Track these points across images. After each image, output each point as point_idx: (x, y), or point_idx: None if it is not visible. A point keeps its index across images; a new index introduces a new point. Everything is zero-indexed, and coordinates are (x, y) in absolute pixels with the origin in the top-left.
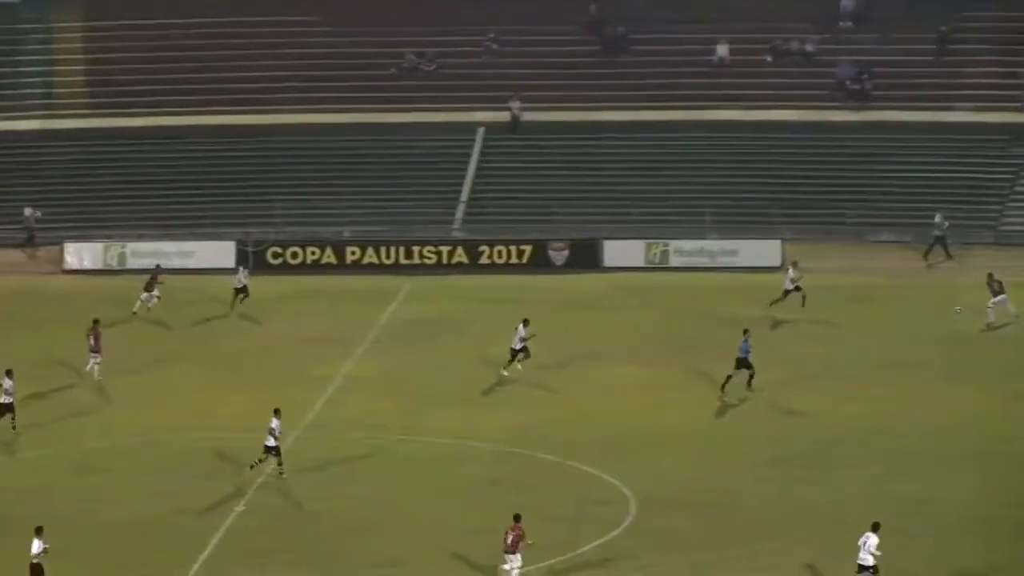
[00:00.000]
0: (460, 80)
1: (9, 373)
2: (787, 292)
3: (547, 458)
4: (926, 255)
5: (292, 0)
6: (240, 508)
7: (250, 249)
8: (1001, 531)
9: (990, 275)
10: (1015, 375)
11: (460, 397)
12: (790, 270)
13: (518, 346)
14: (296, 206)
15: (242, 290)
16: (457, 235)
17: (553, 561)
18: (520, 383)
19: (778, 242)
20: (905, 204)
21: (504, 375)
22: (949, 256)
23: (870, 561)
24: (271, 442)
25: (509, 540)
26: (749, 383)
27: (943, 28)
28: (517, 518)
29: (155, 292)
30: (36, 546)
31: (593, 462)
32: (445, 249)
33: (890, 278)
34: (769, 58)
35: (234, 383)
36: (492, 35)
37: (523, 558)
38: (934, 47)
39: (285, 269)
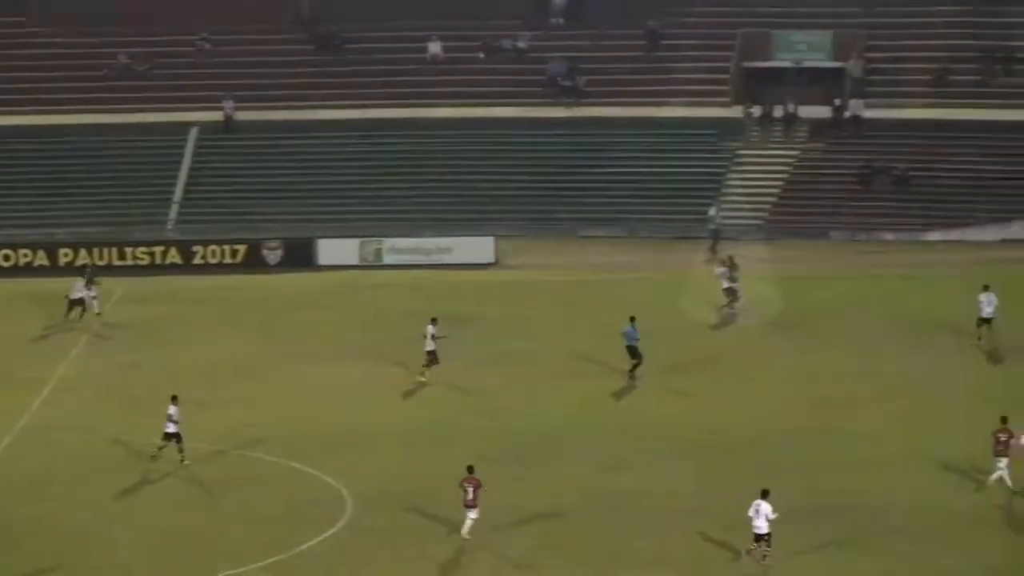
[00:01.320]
0: (173, 80)
1: None
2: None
3: (264, 458)
4: (712, 247)
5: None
6: None
7: None
8: (713, 522)
9: (730, 257)
10: (727, 367)
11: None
12: (721, 268)
13: (431, 347)
14: (8, 209)
15: (78, 302)
16: (171, 235)
17: (270, 560)
18: (237, 383)
19: (491, 239)
20: (618, 199)
21: (421, 380)
22: (714, 253)
23: (765, 528)
24: (171, 428)
25: (471, 494)
26: (633, 371)
27: (653, 24)
28: (470, 469)
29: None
30: None
31: (309, 461)
32: (158, 249)
33: (599, 273)
34: (482, 55)
35: None
36: (204, 35)
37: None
38: (644, 43)
39: None
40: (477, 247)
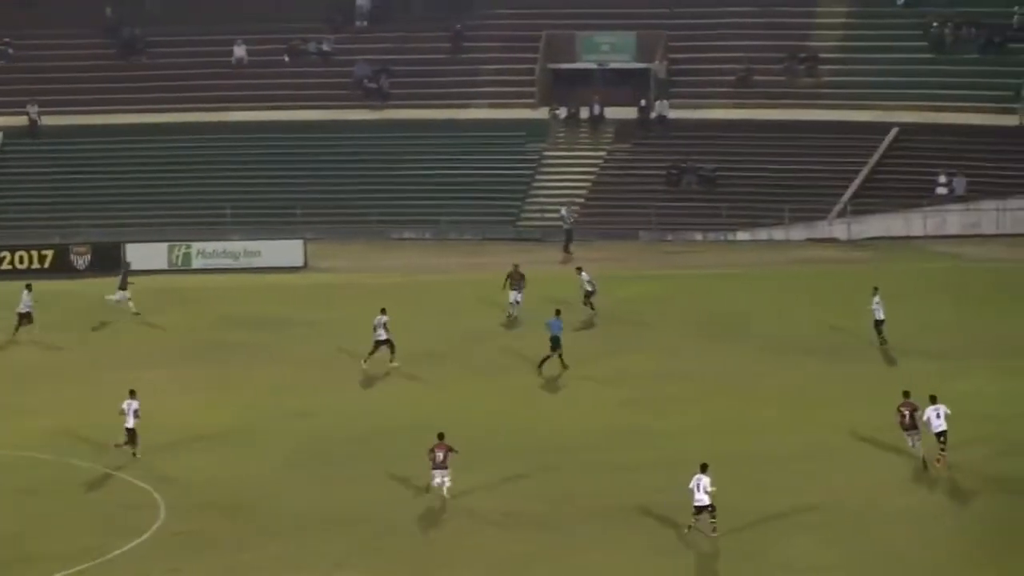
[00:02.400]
0: None
1: None
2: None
3: (78, 464)
4: (566, 248)
5: None
6: None
7: None
8: (527, 525)
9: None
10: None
11: None
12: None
13: (382, 337)
14: None
15: (26, 316)
16: None
17: (83, 567)
18: (48, 388)
19: (300, 242)
20: (426, 202)
21: (364, 367)
22: (568, 251)
23: (707, 500)
24: (130, 423)
25: (440, 456)
26: (558, 359)
27: (458, 27)
28: (441, 436)
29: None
30: None
31: (123, 467)
32: None
33: (409, 275)
34: (287, 58)
35: None
36: (8, 40)
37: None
38: (449, 45)
39: None
40: (286, 250)
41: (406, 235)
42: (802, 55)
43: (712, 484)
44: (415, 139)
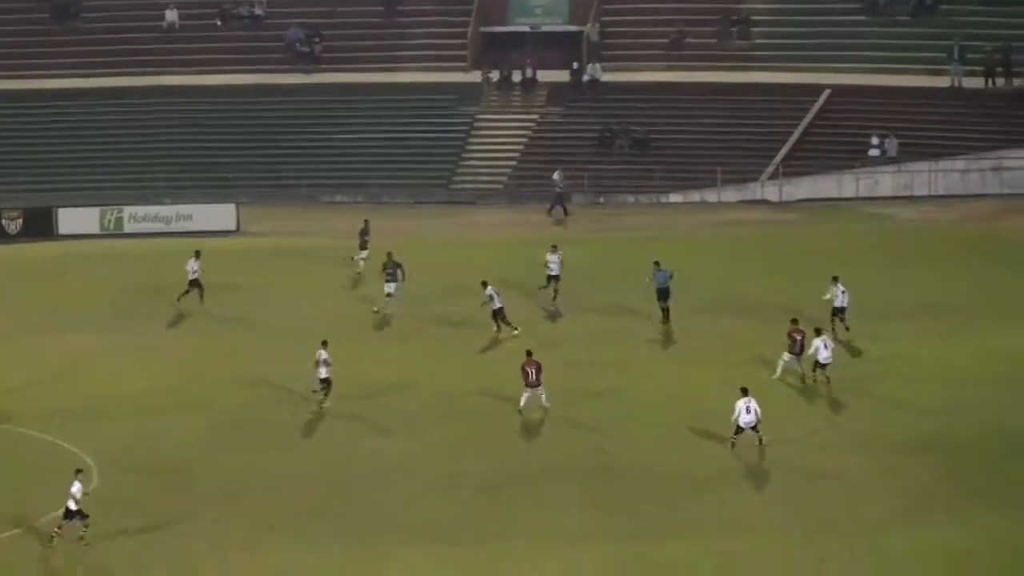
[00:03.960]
0: None
1: None
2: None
3: (8, 428)
4: (550, 211)
5: None
6: None
7: None
8: (468, 483)
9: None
10: (472, 330)
11: None
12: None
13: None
14: None
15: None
16: None
17: (13, 532)
18: None
19: (232, 206)
20: (358, 165)
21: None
22: (566, 212)
23: (754, 420)
24: (323, 373)
25: (533, 375)
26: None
27: None
28: (529, 353)
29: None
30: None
31: (53, 430)
32: None
33: (342, 239)
34: (219, 22)
35: None
36: None
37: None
38: (382, 9)
39: None
40: (218, 214)
41: (338, 199)
42: (734, 17)
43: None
44: (347, 103)
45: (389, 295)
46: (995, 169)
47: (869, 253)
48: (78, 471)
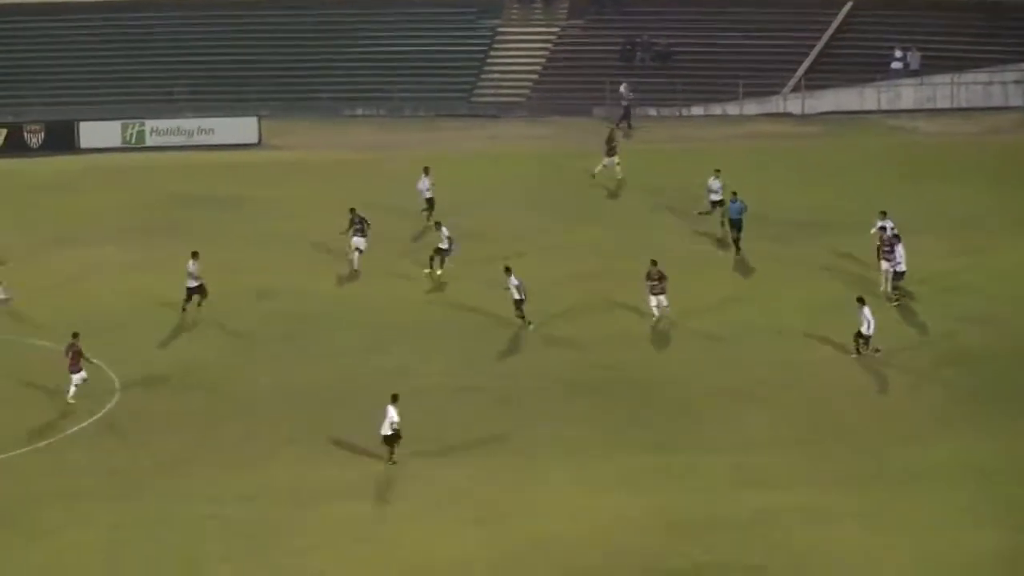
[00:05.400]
0: None
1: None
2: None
3: (30, 342)
4: (618, 124)
5: None
6: None
7: None
8: (481, 399)
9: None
10: (494, 245)
11: None
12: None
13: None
14: None
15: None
16: None
17: (40, 444)
18: None
19: (255, 119)
20: (380, 78)
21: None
22: (630, 126)
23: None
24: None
25: (656, 280)
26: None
27: None
28: (654, 262)
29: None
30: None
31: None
32: None
33: (364, 152)
34: None
35: None
36: None
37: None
38: None
39: None
40: (240, 128)
41: (360, 112)
42: None
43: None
44: (369, 16)
45: (359, 250)
46: (1018, 82)
47: (892, 166)
48: (394, 397)
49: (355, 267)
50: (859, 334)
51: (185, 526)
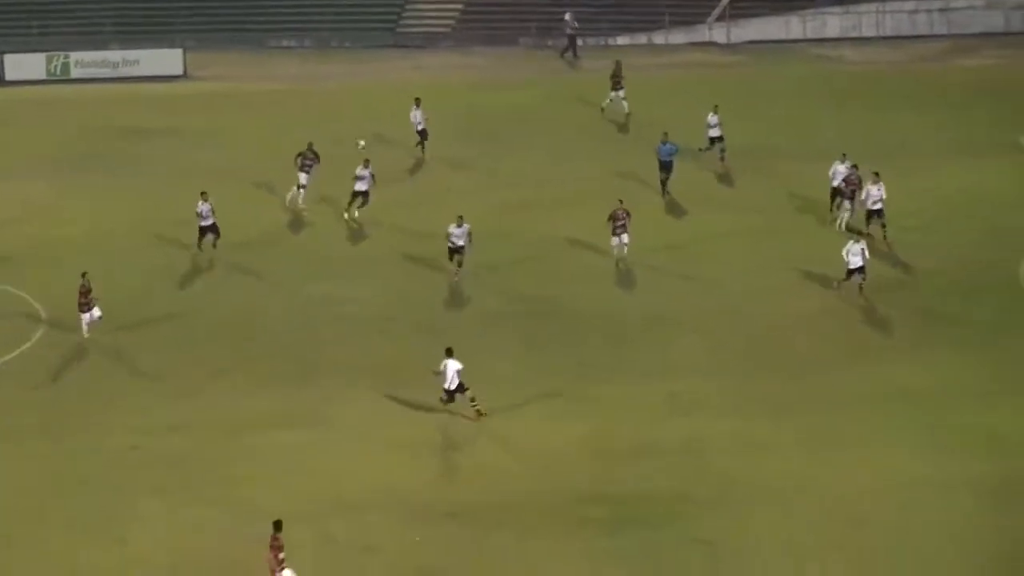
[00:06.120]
0: None
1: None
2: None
3: None
4: (562, 54)
5: None
6: None
7: None
8: (410, 329)
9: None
10: (425, 176)
11: None
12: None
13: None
14: None
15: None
16: None
17: None
18: None
19: (179, 51)
20: (304, 10)
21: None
22: (576, 55)
23: (862, 263)
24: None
25: (621, 220)
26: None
27: None
28: (621, 201)
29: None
30: None
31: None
32: None
33: (291, 84)
34: None
35: None
36: None
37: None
38: None
39: None
40: (165, 59)
41: (285, 44)
42: None
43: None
44: None
45: (303, 186)
46: (942, 10)
47: (819, 95)
48: (449, 351)
49: (300, 204)
50: (852, 270)
51: (114, 458)
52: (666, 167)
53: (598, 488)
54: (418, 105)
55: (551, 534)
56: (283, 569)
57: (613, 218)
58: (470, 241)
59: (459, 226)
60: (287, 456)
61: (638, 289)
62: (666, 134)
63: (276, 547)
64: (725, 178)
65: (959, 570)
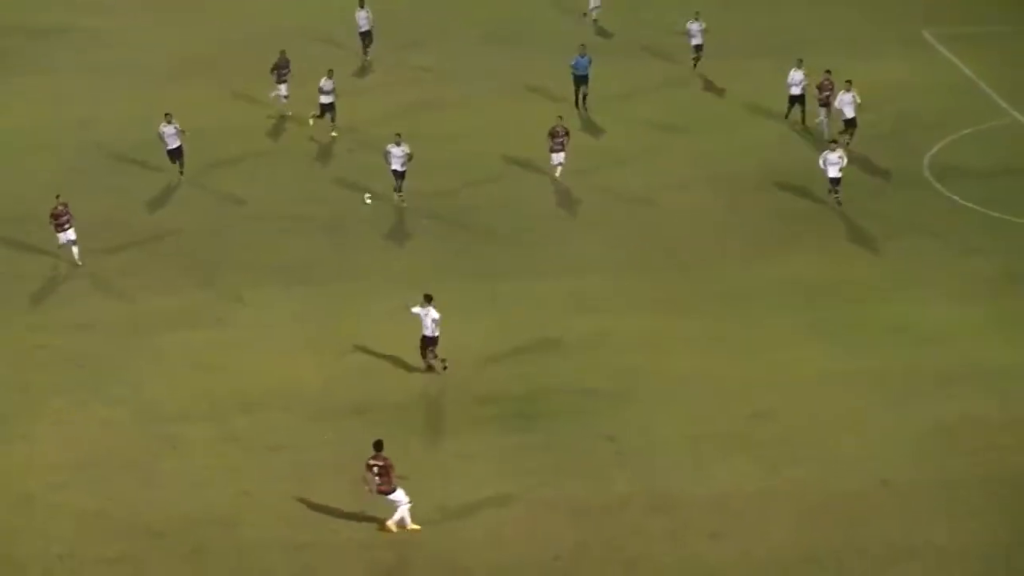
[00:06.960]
0: None
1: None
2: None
3: None
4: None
5: None
6: None
7: None
8: (313, 228)
9: None
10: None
11: None
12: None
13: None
14: None
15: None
16: None
17: None
18: None
19: None
20: None
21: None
22: None
23: (838, 174)
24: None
25: (560, 137)
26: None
27: None
28: (560, 117)
29: None
30: None
31: None
32: None
33: None
34: None
35: None
36: None
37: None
38: None
39: None
40: None
41: None
42: None
43: (842, 158)
44: None
45: (285, 96)
46: None
47: None
48: (427, 297)
49: (288, 112)
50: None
51: (16, 357)
52: (582, 80)
53: (503, 385)
54: (362, 6)
55: (457, 431)
56: (393, 490)
57: (552, 135)
58: (409, 161)
59: (397, 144)
60: (190, 354)
61: (537, 190)
62: (583, 46)
63: (382, 468)
64: (617, 68)
65: (862, 461)
